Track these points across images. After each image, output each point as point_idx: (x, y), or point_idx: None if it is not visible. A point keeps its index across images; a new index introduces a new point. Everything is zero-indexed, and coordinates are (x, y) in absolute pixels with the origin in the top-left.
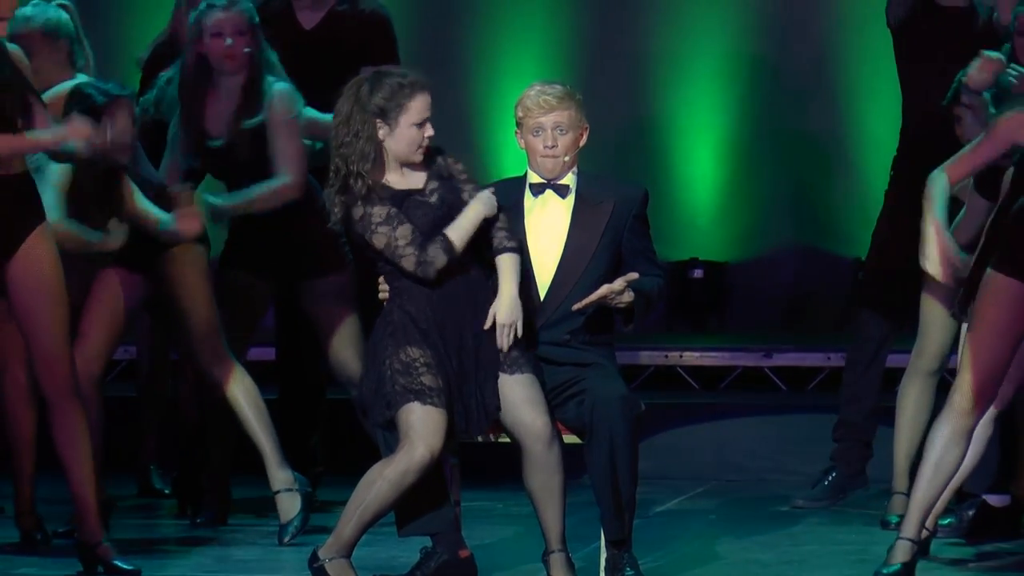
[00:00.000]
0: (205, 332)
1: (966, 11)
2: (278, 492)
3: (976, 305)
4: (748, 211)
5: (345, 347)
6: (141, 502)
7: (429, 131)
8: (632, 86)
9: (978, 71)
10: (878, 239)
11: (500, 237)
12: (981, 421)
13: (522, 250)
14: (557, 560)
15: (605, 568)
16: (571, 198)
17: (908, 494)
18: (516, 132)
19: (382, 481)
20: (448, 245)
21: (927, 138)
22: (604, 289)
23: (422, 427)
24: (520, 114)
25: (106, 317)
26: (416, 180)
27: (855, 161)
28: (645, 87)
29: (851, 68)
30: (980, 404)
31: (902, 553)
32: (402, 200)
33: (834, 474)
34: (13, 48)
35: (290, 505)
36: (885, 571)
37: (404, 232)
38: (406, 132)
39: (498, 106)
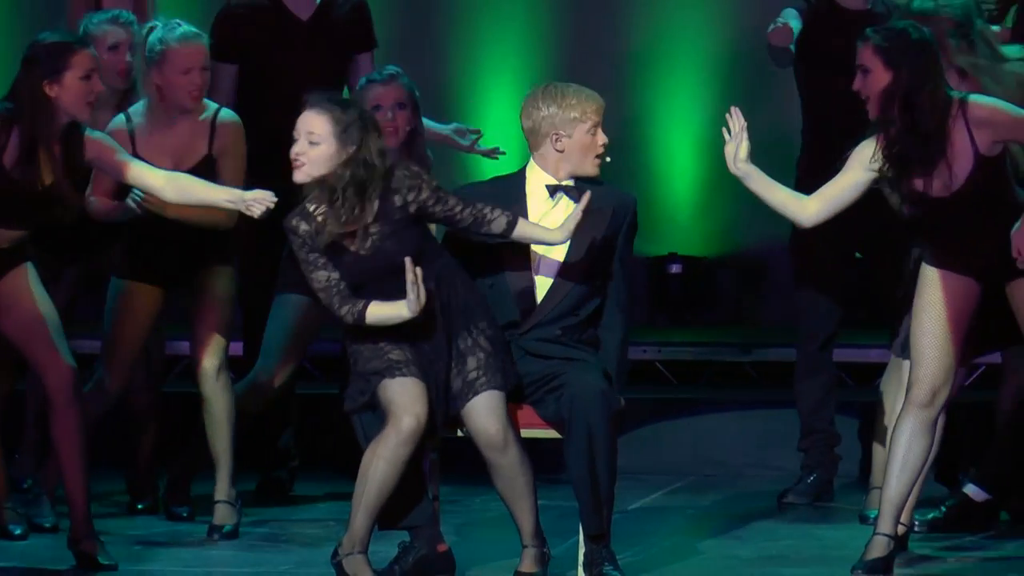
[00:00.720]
0: (214, 348)
1: (866, 13)
2: (219, 501)
3: (916, 299)
4: (727, 206)
5: None
6: (124, 499)
7: (295, 147)
8: (611, 81)
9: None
10: (795, 249)
11: (496, 218)
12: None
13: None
14: (528, 555)
15: (583, 563)
16: (574, 201)
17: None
18: (554, 135)
19: (377, 460)
20: (360, 318)
21: (827, 140)
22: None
23: (401, 398)
24: (575, 114)
25: (141, 338)
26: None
27: None
28: (624, 82)
29: None
30: (938, 395)
31: (878, 548)
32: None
33: (815, 474)
34: (97, 136)
35: (227, 515)
36: (862, 567)
37: (319, 276)
38: None
39: (477, 102)
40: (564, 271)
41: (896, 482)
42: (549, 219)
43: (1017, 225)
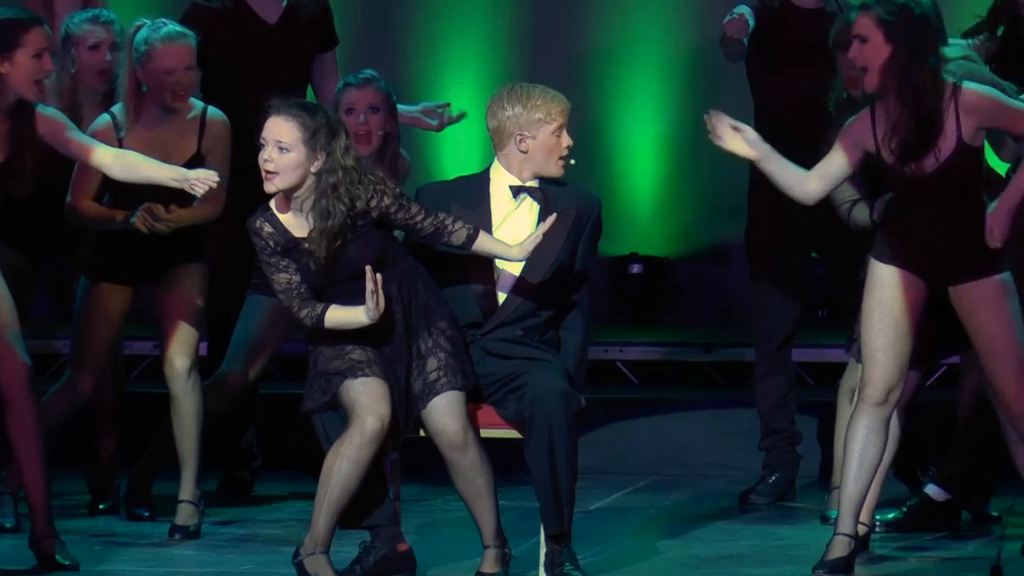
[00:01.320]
0: (184, 347)
1: (819, 11)
2: (183, 501)
3: (865, 298)
4: (687, 206)
5: None
6: (86, 499)
7: (264, 153)
8: (572, 81)
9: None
10: (752, 249)
11: (457, 231)
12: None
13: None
14: (490, 555)
15: (544, 563)
16: (539, 203)
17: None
18: (518, 135)
19: (341, 460)
20: (319, 321)
21: (779, 136)
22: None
23: (364, 398)
24: (540, 115)
25: (113, 337)
26: (299, 229)
27: None
28: (585, 81)
29: None
30: (892, 394)
31: (839, 548)
32: (291, 247)
33: (777, 475)
34: (48, 112)
35: (190, 515)
36: (823, 567)
37: (279, 278)
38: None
39: (439, 101)
40: (526, 272)
41: (854, 482)
42: (512, 220)
43: (993, 205)
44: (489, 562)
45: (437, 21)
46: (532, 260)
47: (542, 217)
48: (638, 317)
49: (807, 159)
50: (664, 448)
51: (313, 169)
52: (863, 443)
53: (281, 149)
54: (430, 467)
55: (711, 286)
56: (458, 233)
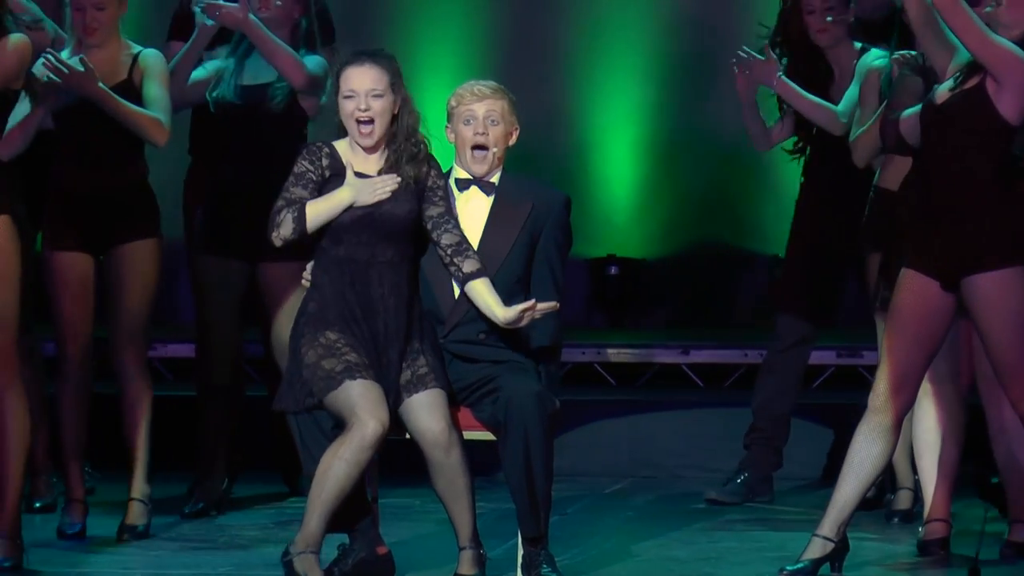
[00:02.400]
0: (133, 332)
1: None
2: (133, 499)
3: (892, 301)
4: (665, 208)
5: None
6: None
7: (359, 103)
8: (550, 82)
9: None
10: (795, 245)
11: (471, 258)
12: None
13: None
14: (466, 557)
15: (522, 565)
16: (493, 196)
17: (911, 488)
18: (447, 127)
19: (339, 462)
20: (300, 216)
21: (828, 140)
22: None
23: (365, 401)
24: (453, 104)
25: (86, 306)
26: (369, 166)
27: (771, 158)
28: (562, 83)
29: None
30: (895, 401)
31: (813, 550)
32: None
33: (746, 474)
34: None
35: (140, 514)
36: (789, 568)
37: (294, 192)
38: (341, 103)
39: (415, 101)
40: None
41: (841, 487)
42: (463, 215)
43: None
44: (466, 564)
45: (413, 23)
46: (483, 256)
47: (495, 210)
48: (615, 319)
49: (835, 151)
50: (641, 450)
51: (395, 110)
52: (859, 448)
53: (375, 96)
54: (408, 469)
55: (688, 288)
56: (470, 261)
